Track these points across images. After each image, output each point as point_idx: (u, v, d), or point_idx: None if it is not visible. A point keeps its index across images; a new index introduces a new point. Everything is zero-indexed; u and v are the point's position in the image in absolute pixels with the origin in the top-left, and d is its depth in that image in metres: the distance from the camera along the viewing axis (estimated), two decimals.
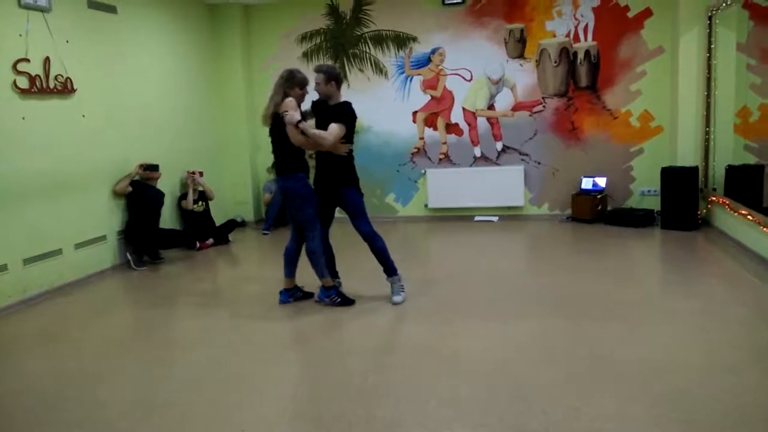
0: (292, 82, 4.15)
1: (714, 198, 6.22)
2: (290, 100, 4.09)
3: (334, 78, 4.23)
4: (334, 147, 4.16)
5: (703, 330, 3.64)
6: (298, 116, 4.01)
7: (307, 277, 4.63)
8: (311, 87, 4.28)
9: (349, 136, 4.23)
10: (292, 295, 4.51)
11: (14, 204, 4.79)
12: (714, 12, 6.03)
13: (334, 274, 4.59)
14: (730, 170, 5.95)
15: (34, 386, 3.32)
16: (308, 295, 4.56)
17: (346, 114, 4.19)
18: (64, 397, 3.16)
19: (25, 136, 4.88)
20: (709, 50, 6.19)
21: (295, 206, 4.26)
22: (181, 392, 3.15)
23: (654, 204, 6.90)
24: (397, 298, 4.38)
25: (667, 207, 6.45)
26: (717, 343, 3.44)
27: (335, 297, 4.36)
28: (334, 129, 4.10)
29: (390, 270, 4.41)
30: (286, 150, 4.18)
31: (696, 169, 6.33)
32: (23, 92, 4.86)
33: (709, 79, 6.24)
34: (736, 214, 5.57)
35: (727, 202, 5.81)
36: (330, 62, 7.71)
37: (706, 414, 2.64)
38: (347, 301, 4.38)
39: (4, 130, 4.71)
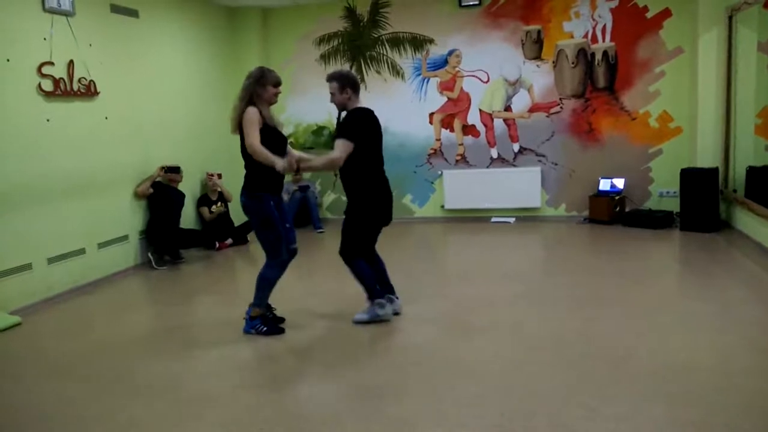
0: (265, 81, 3.72)
1: (734, 199, 6.15)
2: (251, 116, 3.63)
3: (349, 84, 3.76)
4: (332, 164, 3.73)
5: (721, 332, 3.62)
6: (284, 163, 3.58)
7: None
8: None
9: (365, 147, 3.72)
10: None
11: (38, 204, 4.90)
12: (734, 12, 5.96)
13: (389, 289, 4.13)
14: (751, 171, 5.87)
15: (57, 383, 3.40)
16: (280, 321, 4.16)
17: (347, 124, 3.70)
18: (86, 394, 3.23)
19: (49, 138, 4.99)
20: (730, 50, 6.12)
21: (255, 227, 3.83)
22: (202, 389, 3.21)
23: (673, 205, 6.83)
24: (360, 316, 4.02)
25: (687, 208, 6.39)
26: (735, 345, 3.41)
27: (260, 326, 3.91)
28: (337, 146, 3.66)
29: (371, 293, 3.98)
30: (248, 163, 3.74)
31: (716, 170, 6.27)
32: (48, 95, 4.97)
33: (729, 80, 6.17)
34: (756, 215, 5.50)
35: (748, 204, 5.74)
36: (347, 65, 7.75)
37: (722, 417, 2.63)
38: (275, 330, 3.92)
39: (29, 132, 4.82)
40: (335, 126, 3.88)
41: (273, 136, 3.75)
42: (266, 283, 3.90)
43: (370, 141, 3.75)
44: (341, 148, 3.65)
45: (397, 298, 4.17)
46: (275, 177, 3.77)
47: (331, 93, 3.85)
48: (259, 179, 3.75)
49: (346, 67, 7.72)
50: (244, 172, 3.83)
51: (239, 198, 3.88)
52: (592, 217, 7.07)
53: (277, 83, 3.79)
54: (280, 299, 4.15)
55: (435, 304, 4.44)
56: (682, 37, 6.75)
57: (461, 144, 7.61)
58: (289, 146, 3.97)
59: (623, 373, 3.10)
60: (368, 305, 4.03)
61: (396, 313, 4.13)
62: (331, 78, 3.81)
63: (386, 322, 4.05)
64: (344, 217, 3.94)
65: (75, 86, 5.23)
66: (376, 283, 4.02)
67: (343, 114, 3.91)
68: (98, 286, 5.42)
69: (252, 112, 3.65)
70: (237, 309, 4.51)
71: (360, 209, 3.81)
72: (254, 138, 3.62)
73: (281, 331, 3.95)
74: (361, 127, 3.71)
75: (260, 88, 3.72)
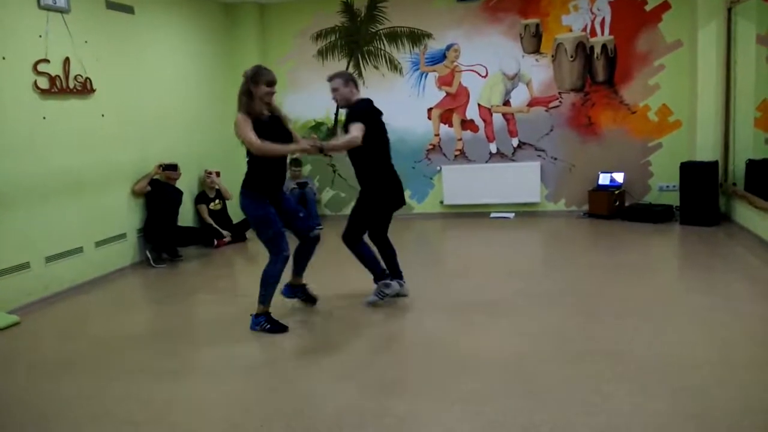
0: (258, 80, 3.73)
1: (734, 193, 6.14)
2: (238, 120, 3.68)
3: (351, 80, 4.16)
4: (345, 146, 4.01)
5: (722, 326, 3.60)
6: (314, 143, 3.86)
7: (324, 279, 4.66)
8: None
9: (374, 133, 4.05)
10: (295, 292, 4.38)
11: (36, 203, 4.87)
12: (734, 4, 5.93)
13: (398, 275, 4.41)
14: (751, 164, 5.86)
15: (54, 381, 3.38)
16: (311, 299, 4.40)
17: (356, 112, 4.07)
18: (82, 392, 3.22)
19: (45, 136, 4.96)
20: (729, 43, 6.09)
21: (253, 225, 3.95)
22: (199, 388, 3.19)
23: (673, 199, 6.81)
24: (371, 299, 4.31)
25: (687, 202, 6.36)
26: (735, 339, 3.40)
27: (264, 323, 3.91)
28: (354, 128, 3.94)
29: (377, 274, 4.32)
30: (248, 162, 3.86)
31: (715, 163, 6.25)
32: (44, 92, 4.93)
33: (728, 72, 6.15)
34: (756, 209, 5.49)
35: (748, 197, 5.72)
36: (344, 60, 7.73)
37: (722, 411, 2.61)
38: (278, 328, 3.91)
39: (26, 130, 4.79)
40: (334, 121, 4.11)
41: (268, 132, 3.74)
42: (270, 279, 3.91)
43: (377, 127, 4.11)
44: (358, 129, 3.93)
45: (404, 282, 4.43)
46: (273, 175, 3.87)
47: (333, 89, 4.12)
48: (256, 178, 3.84)
49: (344, 62, 7.71)
50: (243, 170, 3.92)
51: (239, 197, 3.96)
52: (592, 212, 7.05)
53: (270, 82, 3.78)
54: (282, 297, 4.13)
55: (434, 299, 4.42)
56: (681, 30, 6.71)
57: (460, 139, 7.58)
58: (297, 135, 4.09)
59: (623, 368, 3.08)
60: (375, 287, 4.31)
61: (403, 295, 4.40)
62: (333, 76, 4.14)
63: (385, 317, 4.04)
64: (355, 203, 4.27)
65: (71, 84, 5.20)
66: (379, 264, 4.32)
67: (342, 111, 4.07)
68: (96, 284, 5.40)
69: (240, 119, 3.71)
70: (236, 307, 4.50)
71: (373, 194, 4.18)
72: (251, 136, 3.66)
73: (284, 329, 3.92)
74: (368, 113, 4.06)
75: (253, 86, 3.73)
